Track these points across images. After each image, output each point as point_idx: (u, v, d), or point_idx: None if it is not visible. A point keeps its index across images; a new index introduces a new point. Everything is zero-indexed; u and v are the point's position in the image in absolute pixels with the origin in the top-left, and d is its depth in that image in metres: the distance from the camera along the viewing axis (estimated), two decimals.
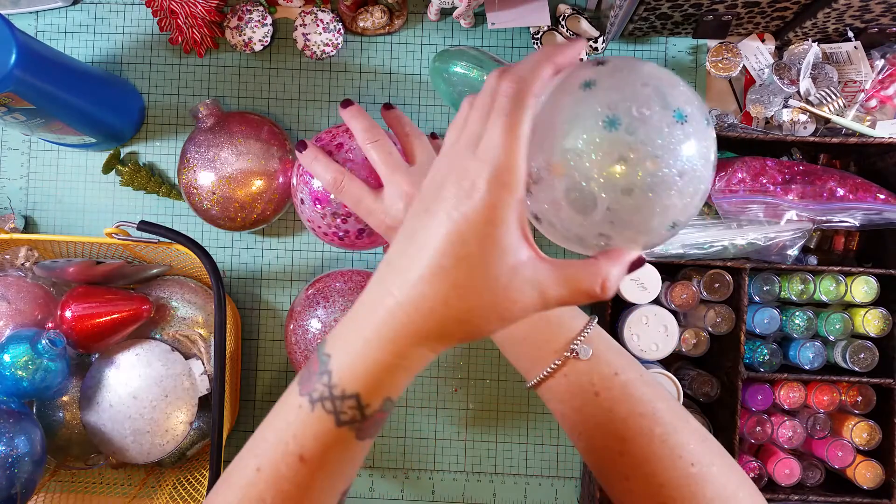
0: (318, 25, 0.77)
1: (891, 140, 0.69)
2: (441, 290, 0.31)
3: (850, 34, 0.74)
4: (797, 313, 0.72)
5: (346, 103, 0.59)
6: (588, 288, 0.33)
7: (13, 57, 0.58)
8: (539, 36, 0.77)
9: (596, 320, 0.44)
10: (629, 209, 0.30)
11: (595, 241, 0.33)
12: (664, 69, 0.32)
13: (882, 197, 0.68)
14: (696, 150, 0.30)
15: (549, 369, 0.42)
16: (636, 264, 0.34)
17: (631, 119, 0.29)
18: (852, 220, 0.69)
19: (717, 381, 0.73)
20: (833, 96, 0.75)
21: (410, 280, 0.31)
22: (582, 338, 0.42)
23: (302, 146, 0.57)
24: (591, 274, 0.33)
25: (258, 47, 0.78)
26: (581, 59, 0.35)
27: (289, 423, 0.33)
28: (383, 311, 0.32)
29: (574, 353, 0.41)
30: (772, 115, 0.77)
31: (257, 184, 0.72)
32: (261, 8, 0.77)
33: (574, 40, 0.34)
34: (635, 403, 0.40)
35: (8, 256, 0.73)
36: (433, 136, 0.43)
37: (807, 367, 0.72)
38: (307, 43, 0.77)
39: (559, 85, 0.33)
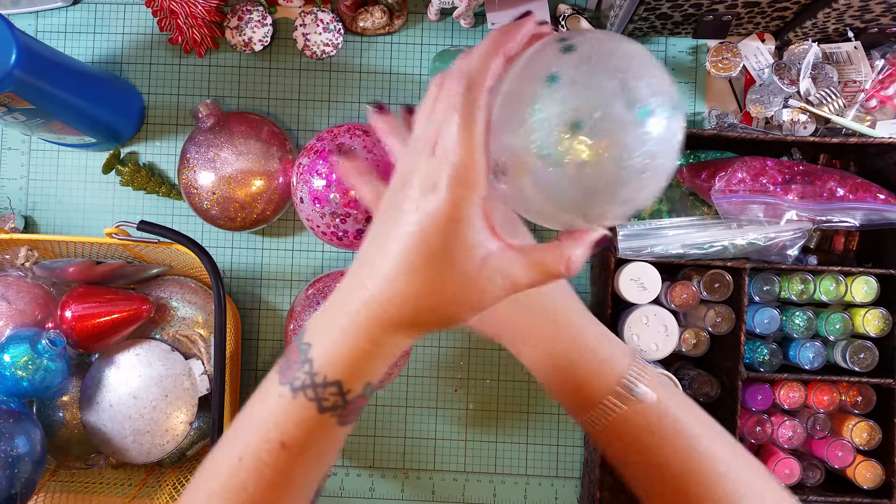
0: (318, 25, 0.77)
1: (891, 140, 0.69)
2: (412, 286, 0.31)
3: (850, 34, 0.74)
4: (797, 313, 0.72)
5: (379, 109, 0.50)
6: (554, 269, 0.34)
7: (13, 57, 0.58)
8: None
9: (641, 355, 0.41)
10: (592, 200, 0.31)
11: (564, 222, 0.34)
12: (635, 48, 0.32)
13: (882, 197, 0.68)
14: (660, 140, 0.31)
15: (602, 410, 0.39)
16: (601, 242, 0.35)
17: (594, 122, 0.30)
18: (852, 220, 0.69)
19: (717, 381, 0.73)
20: (833, 96, 0.75)
21: (382, 275, 0.32)
22: (632, 376, 0.39)
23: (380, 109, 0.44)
24: (555, 256, 0.34)
25: (258, 47, 0.78)
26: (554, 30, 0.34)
27: (270, 412, 0.34)
28: (358, 303, 0.33)
29: (626, 392, 0.38)
30: (772, 115, 0.77)
31: (257, 184, 0.72)
32: (261, 8, 0.77)
33: (522, 19, 0.33)
34: (700, 459, 0.38)
35: (8, 256, 0.73)
36: (408, 111, 0.42)
37: (807, 367, 0.72)
38: (307, 43, 0.77)
39: (525, 67, 0.32)
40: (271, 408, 0.34)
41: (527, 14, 0.33)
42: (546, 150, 0.30)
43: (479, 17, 0.79)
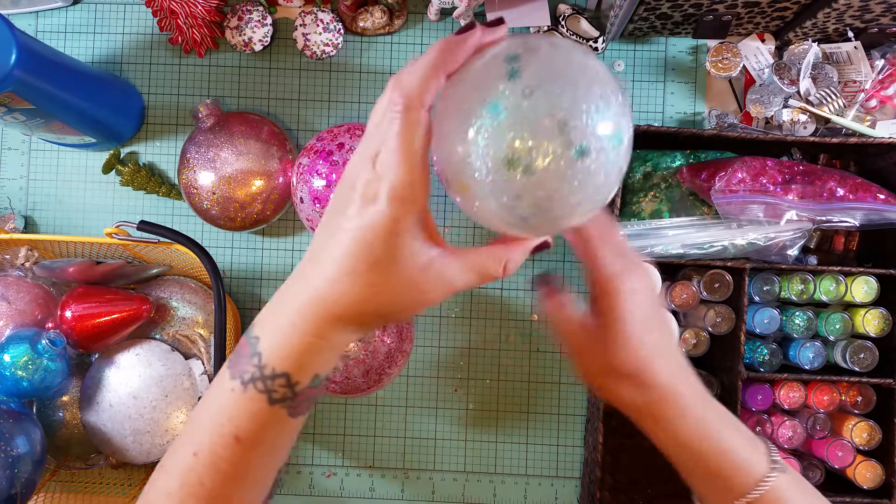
0: (318, 25, 0.77)
1: (891, 140, 0.69)
2: (355, 289, 0.33)
3: (850, 34, 0.74)
4: (797, 313, 0.72)
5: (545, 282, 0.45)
6: (493, 272, 0.35)
7: (13, 57, 0.58)
8: None
9: (779, 462, 0.42)
10: (527, 224, 0.33)
11: (506, 232, 0.35)
12: (585, 68, 0.31)
13: (882, 197, 0.68)
14: (596, 174, 0.31)
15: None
16: (540, 247, 0.37)
17: (529, 161, 0.30)
18: (852, 220, 0.69)
19: (717, 381, 0.73)
20: (833, 96, 0.75)
21: (328, 275, 0.33)
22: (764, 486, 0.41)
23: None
24: (494, 259, 0.35)
25: (258, 47, 0.78)
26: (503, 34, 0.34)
27: (222, 406, 0.35)
28: (305, 298, 0.34)
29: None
30: (772, 115, 0.77)
31: (257, 184, 0.72)
32: (261, 8, 0.77)
33: (466, 33, 0.33)
34: None
35: (8, 256, 0.73)
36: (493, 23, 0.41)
37: (807, 367, 0.72)
38: (307, 43, 0.77)
39: (469, 84, 0.32)
40: (224, 402, 0.35)
41: (471, 26, 0.32)
42: (482, 177, 0.31)
43: (479, 18, 0.79)
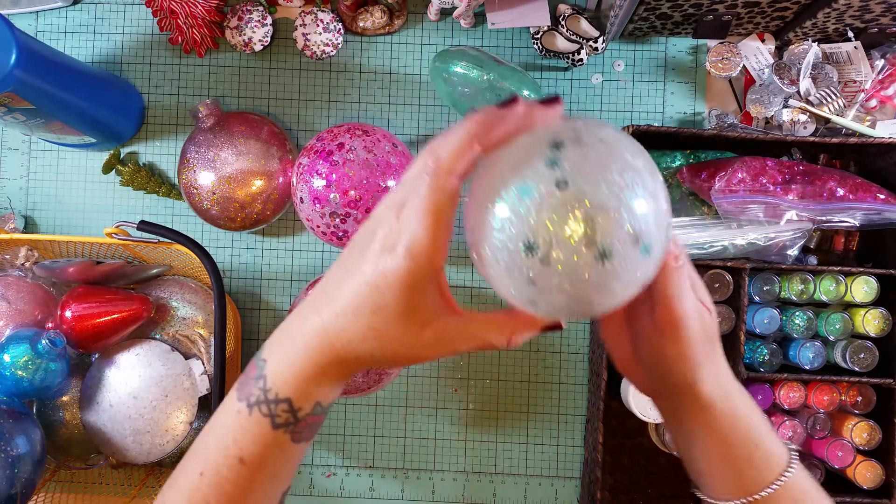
0: (318, 25, 0.77)
1: (891, 140, 0.69)
2: (360, 329, 0.34)
3: (850, 34, 0.74)
4: (797, 313, 0.72)
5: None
6: (496, 343, 0.36)
7: (13, 57, 0.58)
8: (539, 36, 0.77)
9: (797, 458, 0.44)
10: (541, 307, 0.32)
11: (518, 306, 0.34)
12: (628, 167, 0.30)
13: (882, 197, 0.68)
14: (614, 282, 0.31)
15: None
16: (551, 328, 0.37)
17: (548, 251, 0.30)
18: (852, 220, 0.69)
19: None
20: (833, 96, 0.75)
21: (336, 311, 0.34)
22: (782, 481, 0.42)
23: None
24: (500, 332, 0.36)
25: (258, 47, 0.78)
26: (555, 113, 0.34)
27: (229, 428, 0.35)
28: (311, 329, 0.35)
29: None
30: (772, 115, 0.77)
31: (257, 184, 0.72)
32: (261, 8, 0.77)
33: (508, 107, 0.32)
34: None
35: (8, 256, 0.73)
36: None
37: (807, 367, 0.72)
38: (307, 43, 0.77)
39: (506, 164, 0.32)
40: (230, 423, 0.35)
41: (513, 101, 0.32)
42: (500, 253, 0.31)
43: (479, 17, 0.79)
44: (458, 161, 0.32)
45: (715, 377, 0.42)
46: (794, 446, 0.44)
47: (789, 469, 0.42)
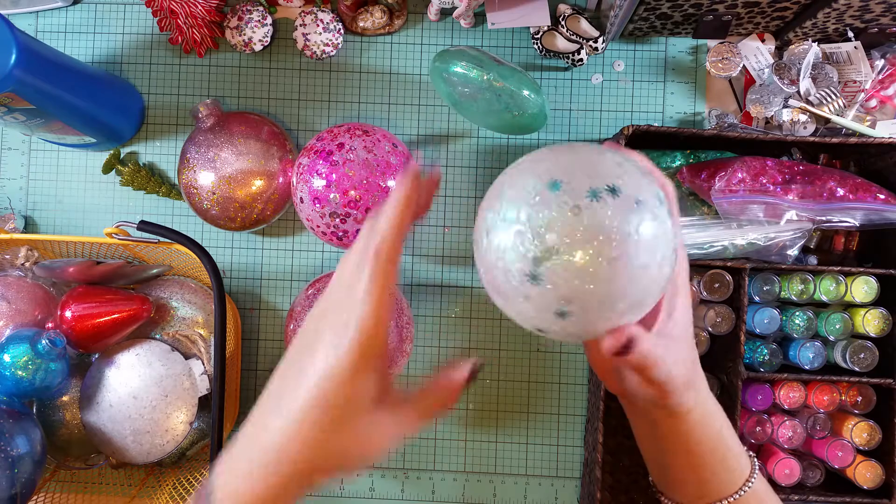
0: (318, 25, 0.77)
1: (891, 140, 0.69)
2: (311, 434, 0.34)
3: (850, 34, 0.74)
4: (797, 313, 0.72)
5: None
6: (442, 409, 0.39)
7: (13, 57, 0.58)
8: (539, 36, 0.77)
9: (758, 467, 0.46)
10: (560, 332, 0.38)
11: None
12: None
13: (882, 197, 0.68)
14: (573, 332, 0.38)
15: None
16: (469, 378, 0.41)
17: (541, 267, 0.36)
18: (852, 220, 0.69)
19: (717, 381, 0.73)
20: (833, 96, 0.75)
21: (286, 418, 0.34)
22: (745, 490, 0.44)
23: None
24: (441, 398, 0.39)
25: (258, 47, 0.78)
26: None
27: None
28: (261, 446, 0.35)
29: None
30: (772, 115, 0.77)
31: (257, 184, 0.72)
32: (261, 8, 0.77)
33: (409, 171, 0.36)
34: None
35: (8, 256, 0.73)
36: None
37: (807, 367, 0.72)
38: (307, 43, 0.77)
39: (517, 180, 0.38)
40: None
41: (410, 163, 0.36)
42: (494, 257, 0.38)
43: (479, 17, 0.79)
44: (401, 237, 0.35)
45: (694, 387, 0.44)
46: (752, 454, 0.47)
47: (755, 474, 0.44)
